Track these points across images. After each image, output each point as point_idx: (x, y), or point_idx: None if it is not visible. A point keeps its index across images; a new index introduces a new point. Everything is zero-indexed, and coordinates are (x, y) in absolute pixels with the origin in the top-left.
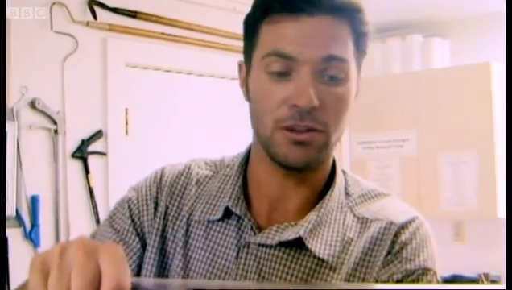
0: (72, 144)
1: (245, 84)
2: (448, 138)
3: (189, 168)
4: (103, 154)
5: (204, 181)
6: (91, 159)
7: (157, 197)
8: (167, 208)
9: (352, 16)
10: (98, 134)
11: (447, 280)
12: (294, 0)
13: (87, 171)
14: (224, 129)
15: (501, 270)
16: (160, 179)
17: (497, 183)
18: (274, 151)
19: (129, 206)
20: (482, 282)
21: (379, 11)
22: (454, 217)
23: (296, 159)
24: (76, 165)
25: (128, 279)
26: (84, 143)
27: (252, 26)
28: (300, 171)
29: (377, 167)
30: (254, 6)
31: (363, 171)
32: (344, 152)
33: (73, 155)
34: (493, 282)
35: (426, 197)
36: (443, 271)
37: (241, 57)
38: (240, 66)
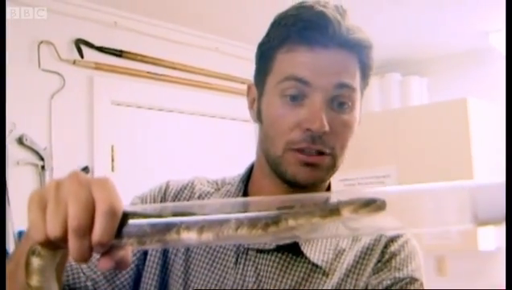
0: None
1: (257, 106)
2: (427, 174)
3: (193, 183)
4: None
5: (205, 197)
6: None
7: None
8: None
9: (361, 51)
10: (85, 171)
11: None
12: (312, 33)
13: None
14: (209, 166)
15: None
16: (165, 191)
17: None
18: (284, 170)
19: None
20: None
21: None
22: (436, 252)
23: (305, 179)
24: None
25: (120, 202)
26: None
27: (267, 52)
28: (305, 190)
29: None
30: (271, 35)
31: None
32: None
33: None
34: None
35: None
36: None
37: (222, 95)
38: (249, 88)
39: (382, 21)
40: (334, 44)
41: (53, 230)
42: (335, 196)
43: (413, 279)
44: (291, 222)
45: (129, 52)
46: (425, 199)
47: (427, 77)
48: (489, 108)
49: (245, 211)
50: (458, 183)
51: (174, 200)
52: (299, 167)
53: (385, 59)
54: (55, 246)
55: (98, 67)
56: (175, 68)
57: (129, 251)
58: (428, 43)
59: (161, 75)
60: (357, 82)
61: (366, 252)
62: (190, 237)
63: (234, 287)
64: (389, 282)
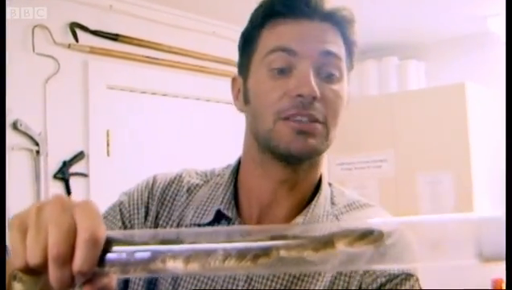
0: (54, 165)
1: (243, 93)
2: (424, 158)
3: (180, 176)
4: (85, 175)
5: (194, 189)
6: (73, 180)
7: (148, 202)
8: (157, 213)
9: (343, 25)
10: (80, 156)
11: None
12: (295, 3)
13: (69, 192)
14: (205, 150)
15: (479, 287)
16: (152, 185)
17: (473, 201)
18: (277, 143)
19: (120, 209)
20: None
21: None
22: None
23: (299, 149)
24: (58, 186)
25: (102, 230)
26: (66, 165)
27: (251, 33)
28: (301, 163)
29: (356, 187)
30: (253, 17)
31: None
32: (323, 173)
33: (55, 176)
34: None
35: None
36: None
37: (218, 79)
38: (233, 80)
39: (380, 5)
40: (318, 16)
41: (33, 258)
42: (331, 226)
43: (408, 275)
44: (283, 253)
45: (124, 36)
46: (426, 231)
47: (425, 61)
48: (486, 93)
49: (235, 240)
50: (462, 215)
51: (162, 195)
52: (292, 137)
53: (382, 42)
54: (37, 271)
55: (93, 51)
56: (171, 52)
57: (113, 278)
58: (426, 27)
59: (157, 59)
60: (343, 52)
61: None
62: (176, 266)
63: (224, 286)
64: (383, 279)
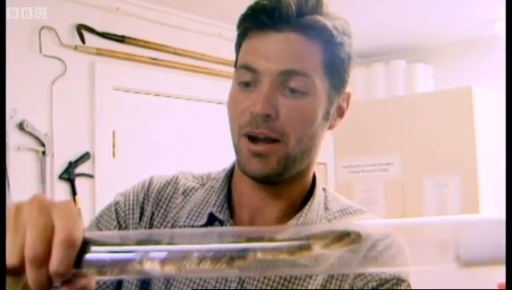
0: (60, 166)
1: None
2: (431, 162)
3: (177, 179)
4: (90, 176)
5: (190, 192)
6: (78, 181)
7: (143, 203)
8: (152, 214)
9: (320, 35)
10: (85, 157)
11: None
12: (263, 17)
13: (74, 193)
14: (209, 152)
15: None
16: (148, 187)
17: (479, 205)
18: (239, 159)
19: (115, 209)
20: None
21: (364, 37)
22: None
23: (255, 171)
24: (64, 187)
25: (79, 231)
26: (72, 165)
27: (237, 45)
28: (266, 183)
29: (363, 190)
30: (238, 24)
31: (349, 195)
32: (330, 176)
33: (61, 177)
34: None
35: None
36: None
37: (224, 81)
38: None
39: (388, 8)
40: (287, 28)
41: (10, 259)
42: (310, 229)
43: (400, 280)
44: (260, 255)
45: (131, 38)
46: (405, 235)
47: (433, 65)
48: (494, 96)
49: (216, 241)
50: (440, 218)
51: (157, 197)
52: (248, 158)
53: (390, 46)
54: (16, 272)
55: (100, 52)
56: (177, 54)
57: (92, 280)
58: (434, 30)
59: (163, 61)
60: (312, 68)
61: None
62: (153, 268)
63: (217, 286)
64: (374, 284)
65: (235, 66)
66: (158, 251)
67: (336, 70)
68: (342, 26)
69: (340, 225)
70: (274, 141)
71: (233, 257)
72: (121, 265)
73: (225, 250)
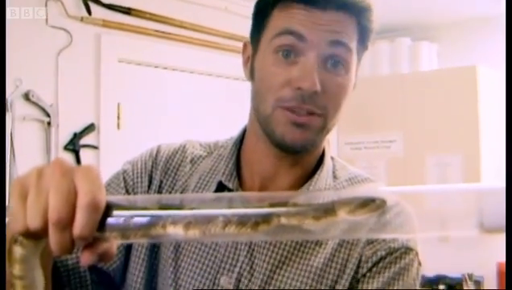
0: (65, 137)
1: (251, 64)
2: (434, 140)
3: (184, 147)
4: (95, 147)
5: (198, 160)
6: (83, 152)
7: (152, 171)
8: (161, 182)
9: (360, 13)
10: (90, 128)
11: (431, 280)
12: None
13: (79, 164)
14: (215, 126)
15: (484, 270)
16: (156, 155)
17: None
18: (273, 129)
19: (124, 178)
20: (466, 282)
21: None
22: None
23: (294, 140)
24: (68, 158)
25: (103, 194)
26: (77, 136)
27: (263, 9)
28: (295, 153)
29: (365, 167)
30: None
31: None
32: (332, 152)
33: (66, 148)
34: (477, 282)
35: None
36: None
37: (230, 56)
38: (245, 45)
39: None
40: (331, 6)
41: (33, 222)
42: (332, 195)
43: (408, 249)
44: (284, 221)
45: (137, 10)
46: (428, 201)
47: (437, 43)
48: (498, 76)
49: (236, 206)
50: (464, 186)
51: (165, 165)
52: (288, 127)
53: (395, 23)
54: (38, 235)
55: (106, 24)
56: (183, 27)
57: (114, 243)
58: (440, 8)
59: (169, 33)
60: (353, 43)
61: (360, 221)
62: (176, 232)
63: (226, 255)
64: (383, 252)
65: (255, 30)
66: (182, 215)
67: (365, 45)
68: (371, 1)
69: (364, 191)
70: (315, 114)
71: (257, 221)
72: (144, 229)
73: (250, 215)
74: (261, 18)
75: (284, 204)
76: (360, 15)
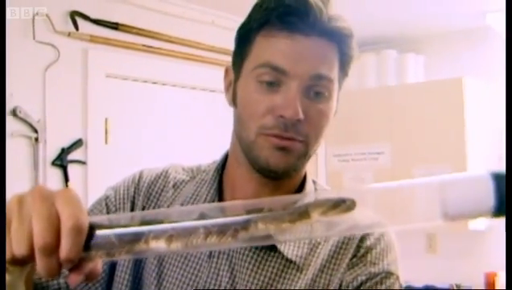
0: (53, 152)
1: (233, 90)
2: (421, 152)
3: (167, 172)
4: (83, 162)
5: (180, 185)
6: (71, 168)
7: (134, 197)
8: (143, 208)
9: (341, 41)
10: (78, 143)
11: None
12: (292, 19)
13: (67, 180)
14: (202, 139)
15: (472, 281)
16: (138, 181)
17: None
18: (257, 155)
19: (106, 204)
20: None
21: (355, 27)
22: (427, 229)
23: (277, 164)
24: (56, 173)
25: (85, 216)
26: (65, 152)
27: (246, 36)
28: (277, 178)
29: (352, 179)
30: (251, 18)
31: (339, 183)
32: (321, 164)
33: (53, 164)
34: None
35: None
36: (415, 282)
37: (217, 69)
38: (226, 70)
39: None
40: (314, 33)
41: (19, 249)
42: (304, 198)
43: (389, 274)
44: (261, 226)
45: (124, 25)
46: (395, 196)
47: (424, 55)
48: (484, 88)
49: (214, 216)
50: (427, 179)
51: (147, 191)
52: (271, 151)
53: (381, 35)
54: (23, 262)
55: (93, 39)
56: (170, 42)
57: (99, 262)
58: (425, 21)
59: (156, 48)
60: (335, 73)
61: (341, 247)
62: (159, 246)
63: (208, 282)
64: (363, 278)
65: (237, 56)
66: (164, 229)
67: (345, 72)
68: (350, 27)
69: (335, 193)
70: (298, 141)
71: (237, 229)
72: (129, 245)
73: (229, 224)
74: (243, 44)
75: (260, 210)
76: (341, 42)
